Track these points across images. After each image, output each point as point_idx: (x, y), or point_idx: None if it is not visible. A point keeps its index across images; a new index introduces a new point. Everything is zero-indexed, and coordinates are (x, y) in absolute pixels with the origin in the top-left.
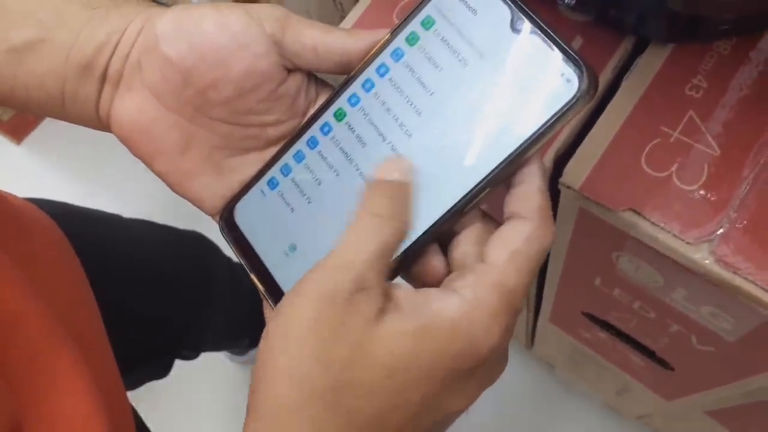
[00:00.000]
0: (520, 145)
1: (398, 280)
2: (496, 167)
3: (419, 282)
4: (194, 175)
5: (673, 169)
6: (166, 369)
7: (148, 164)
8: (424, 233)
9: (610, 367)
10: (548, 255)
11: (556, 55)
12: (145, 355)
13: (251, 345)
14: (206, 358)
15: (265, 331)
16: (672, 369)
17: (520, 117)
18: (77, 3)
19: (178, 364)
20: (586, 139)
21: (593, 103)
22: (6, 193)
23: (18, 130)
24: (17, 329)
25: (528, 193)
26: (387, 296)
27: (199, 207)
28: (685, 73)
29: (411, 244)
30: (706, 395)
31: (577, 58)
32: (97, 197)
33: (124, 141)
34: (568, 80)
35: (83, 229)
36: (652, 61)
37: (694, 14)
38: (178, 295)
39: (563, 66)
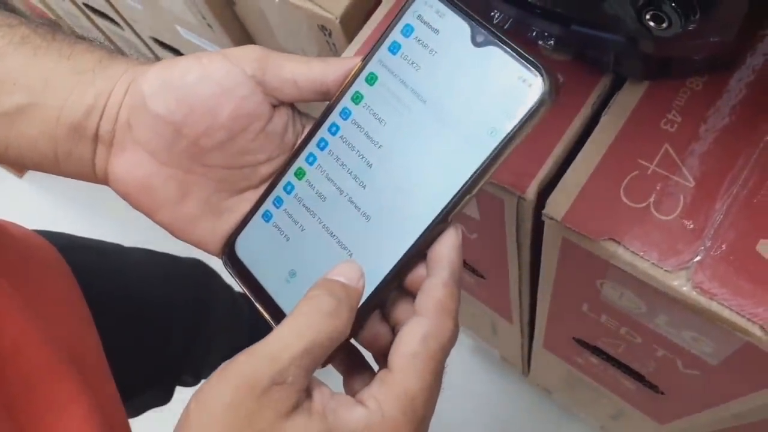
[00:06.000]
0: (495, 148)
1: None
2: (472, 175)
3: (369, 348)
4: (195, 220)
5: (651, 200)
6: (167, 395)
7: (149, 216)
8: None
9: (604, 392)
10: (539, 280)
11: (517, 61)
12: (146, 381)
13: None
14: None
15: (186, 406)
16: (662, 393)
17: (491, 123)
18: (65, 69)
19: (178, 389)
20: (568, 172)
21: (576, 133)
22: (6, 221)
23: None
24: (17, 356)
25: (430, 287)
26: (306, 392)
27: (203, 249)
28: (661, 109)
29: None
30: (697, 418)
31: (536, 62)
32: (99, 227)
33: (124, 197)
34: (531, 84)
35: (85, 260)
36: (629, 97)
37: (666, 55)
38: (178, 321)
39: (524, 71)
